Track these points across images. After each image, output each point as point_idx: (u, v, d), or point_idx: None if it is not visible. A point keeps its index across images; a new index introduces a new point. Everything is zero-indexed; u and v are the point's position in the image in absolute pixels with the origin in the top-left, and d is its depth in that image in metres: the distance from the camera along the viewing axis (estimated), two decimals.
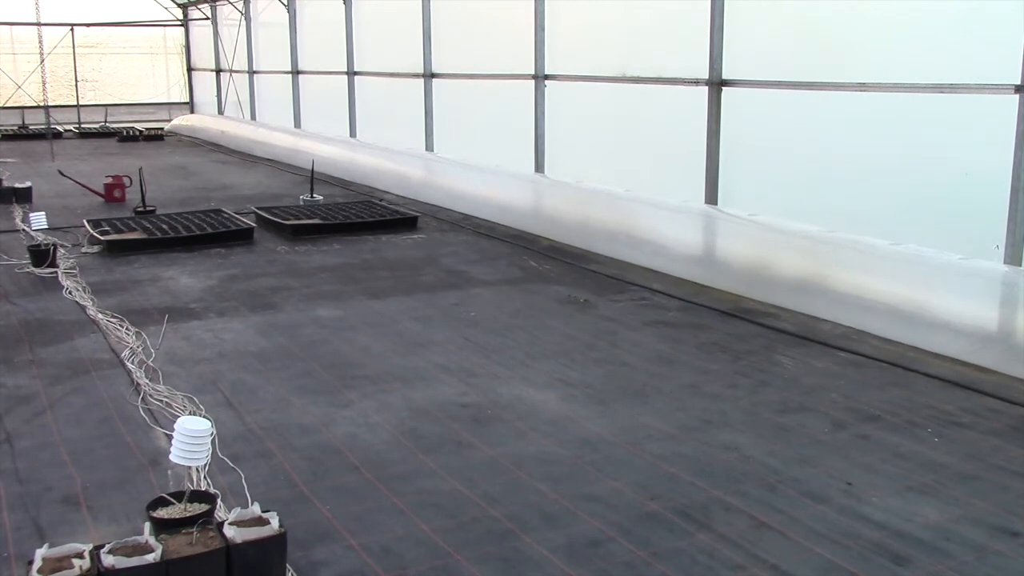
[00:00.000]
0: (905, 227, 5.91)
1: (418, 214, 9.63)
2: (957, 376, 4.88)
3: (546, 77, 9.43)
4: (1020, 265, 5.23)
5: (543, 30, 9.38)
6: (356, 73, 13.77)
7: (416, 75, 11.86)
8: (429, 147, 11.82)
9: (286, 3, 15.66)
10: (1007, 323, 5.17)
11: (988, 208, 5.39)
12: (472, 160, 10.65)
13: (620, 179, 8.42)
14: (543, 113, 9.53)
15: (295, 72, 15.88)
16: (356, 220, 9.14)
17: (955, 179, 5.73)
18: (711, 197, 7.39)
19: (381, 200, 10.72)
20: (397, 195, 11.36)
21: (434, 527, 3.34)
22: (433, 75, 11.63)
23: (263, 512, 3.03)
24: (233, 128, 18.08)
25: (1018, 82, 5.16)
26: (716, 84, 7.28)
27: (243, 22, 17.89)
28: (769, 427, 4.24)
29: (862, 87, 6.19)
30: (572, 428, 4.24)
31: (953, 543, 3.22)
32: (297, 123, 16.03)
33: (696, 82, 7.44)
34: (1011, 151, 5.22)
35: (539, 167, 9.60)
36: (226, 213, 9.37)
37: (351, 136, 14.04)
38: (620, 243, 7.79)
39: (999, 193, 5.31)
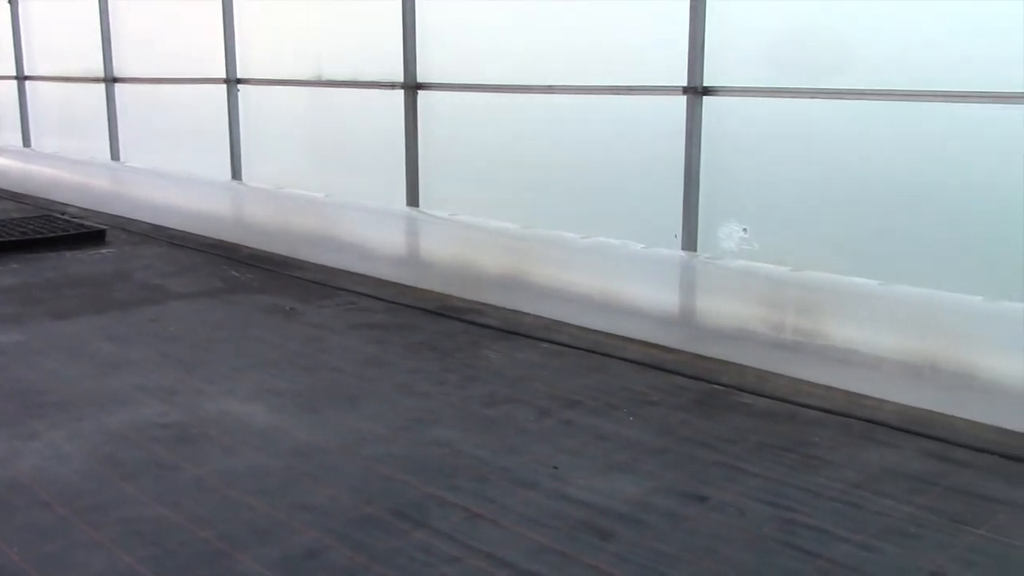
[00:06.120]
0: (594, 221, 6.25)
1: (106, 227, 9.05)
2: (648, 358, 5.23)
3: (238, 81, 9.15)
4: (695, 251, 5.67)
5: (233, 32, 9.09)
6: (27, 78, 12.71)
7: (97, 79, 11.12)
8: (115, 156, 11.13)
9: None
10: (687, 305, 5.62)
11: (666, 200, 5.79)
12: (164, 168, 10.15)
13: (322, 183, 8.32)
14: (237, 118, 9.23)
15: None
16: (35, 236, 8.45)
17: (636, 174, 6.11)
18: (412, 199, 7.48)
19: (63, 214, 9.98)
20: (81, 208, 10.61)
21: (138, 557, 3.15)
22: (115, 79, 10.96)
23: None
24: None
25: (685, 84, 5.59)
26: (411, 88, 7.36)
27: None
28: (478, 420, 4.35)
29: (549, 90, 6.48)
30: (283, 439, 4.14)
31: (650, 514, 3.45)
32: None
33: (392, 86, 7.49)
34: (683, 147, 5.65)
35: (236, 174, 9.30)
36: None
37: (25, 146, 12.95)
38: (324, 248, 7.72)
39: (675, 186, 5.72)
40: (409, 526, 3.35)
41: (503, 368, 5.10)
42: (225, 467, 3.85)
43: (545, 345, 5.50)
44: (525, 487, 3.66)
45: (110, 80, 11.01)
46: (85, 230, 8.84)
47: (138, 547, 3.22)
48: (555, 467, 3.84)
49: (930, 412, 4.39)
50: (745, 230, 5.49)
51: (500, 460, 3.91)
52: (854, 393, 4.64)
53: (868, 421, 4.33)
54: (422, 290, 6.75)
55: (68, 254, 8.13)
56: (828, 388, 4.72)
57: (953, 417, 4.32)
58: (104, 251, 8.30)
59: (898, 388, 4.56)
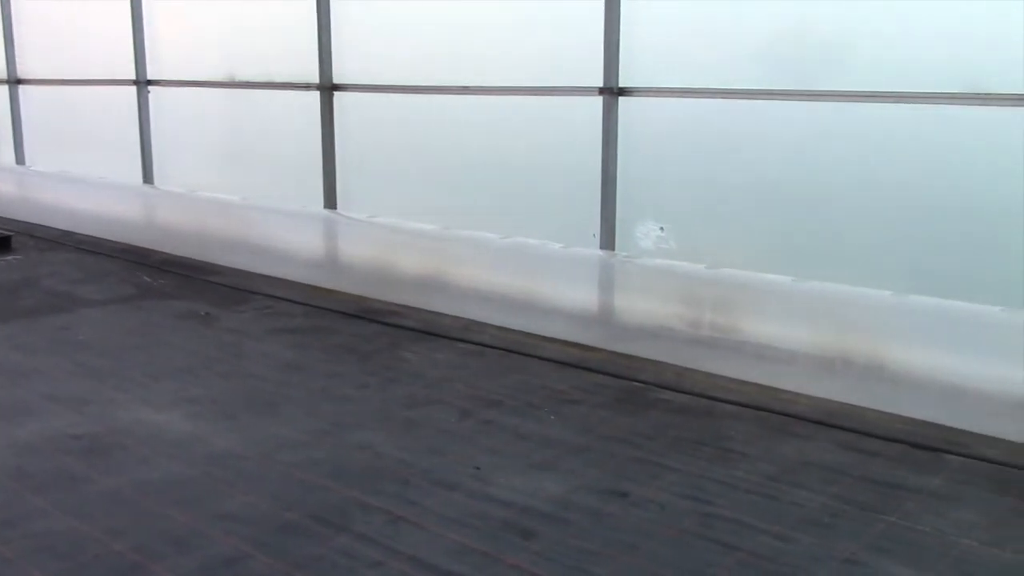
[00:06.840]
0: (512, 221, 6.25)
1: (11, 233, 8.76)
2: (568, 356, 5.26)
3: (148, 83, 8.95)
4: (613, 250, 5.72)
5: (142, 32, 8.88)
6: None
7: None
8: (20, 160, 10.80)
9: None
10: (606, 303, 5.67)
11: (584, 199, 5.83)
12: (72, 172, 9.88)
13: (237, 186, 8.18)
14: (148, 120, 9.03)
15: None
16: None
17: (555, 174, 6.14)
18: (330, 201, 7.40)
19: None
20: None
21: (49, 572, 3.06)
22: (20, 81, 10.63)
23: None
24: None
25: (601, 84, 5.63)
26: (327, 89, 7.28)
27: None
28: (399, 423, 4.33)
29: (464, 90, 6.47)
30: (199, 447, 4.06)
31: (572, 512, 3.47)
32: None
33: (308, 87, 7.40)
34: (600, 147, 5.69)
35: (148, 178, 9.10)
36: None
37: None
38: (240, 252, 7.60)
39: (593, 185, 5.76)
40: (331, 531, 3.32)
41: (423, 369, 5.08)
42: (140, 477, 3.76)
43: (465, 346, 5.49)
44: (447, 488, 3.65)
45: (14, 82, 10.68)
46: None
47: (49, 561, 3.12)
48: (477, 467, 3.83)
49: (843, 404, 4.50)
50: (662, 229, 5.55)
51: (422, 462, 3.90)
52: (770, 387, 4.73)
53: (783, 414, 4.42)
54: (340, 293, 6.69)
55: None
56: (744, 383, 4.81)
57: (864, 408, 4.43)
58: (9, 258, 8.04)
59: (812, 381, 4.67)
